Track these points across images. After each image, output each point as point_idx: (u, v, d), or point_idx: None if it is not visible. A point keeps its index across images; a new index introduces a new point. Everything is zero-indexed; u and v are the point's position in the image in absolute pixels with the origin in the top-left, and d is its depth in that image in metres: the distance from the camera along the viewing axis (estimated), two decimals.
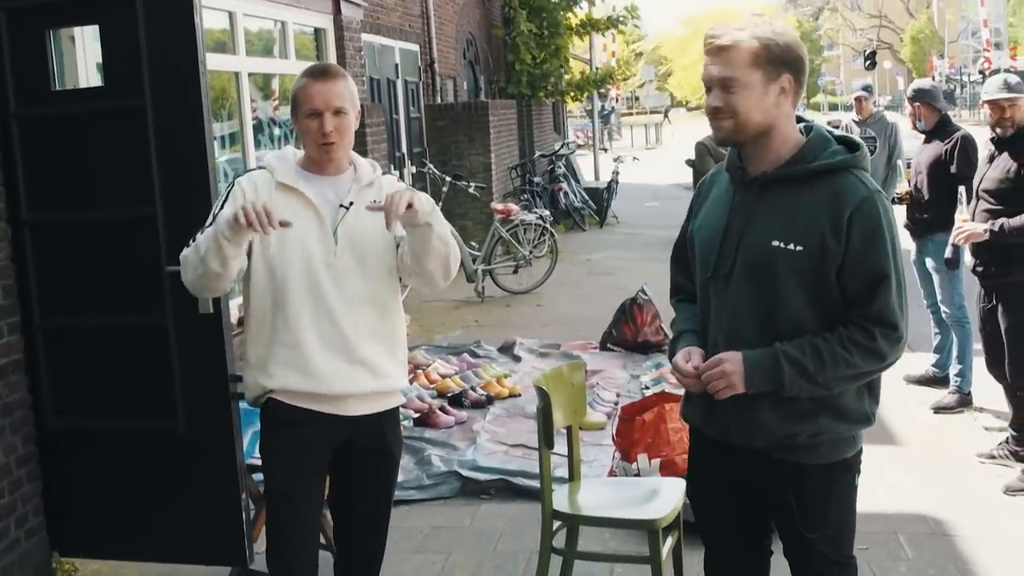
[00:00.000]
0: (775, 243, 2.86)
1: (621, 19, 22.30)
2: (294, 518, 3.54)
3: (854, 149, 2.95)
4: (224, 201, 3.46)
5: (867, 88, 9.99)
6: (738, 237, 2.93)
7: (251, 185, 3.48)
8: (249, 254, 3.42)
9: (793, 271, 2.84)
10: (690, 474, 3.33)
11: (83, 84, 5.78)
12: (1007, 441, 6.10)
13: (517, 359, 8.96)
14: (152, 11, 4.36)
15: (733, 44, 2.84)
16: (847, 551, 3.11)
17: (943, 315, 7.27)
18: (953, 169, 6.85)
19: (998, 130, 5.95)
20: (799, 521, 3.01)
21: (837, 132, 3.04)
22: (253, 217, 3.11)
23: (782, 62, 2.86)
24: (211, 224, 3.36)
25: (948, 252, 6.63)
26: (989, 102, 5.92)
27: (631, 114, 71.56)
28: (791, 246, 2.84)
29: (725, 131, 2.90)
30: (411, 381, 8.09)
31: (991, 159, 6.00)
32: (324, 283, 3.43)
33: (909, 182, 7.32)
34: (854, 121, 9.70)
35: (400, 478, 6.08)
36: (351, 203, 3.49)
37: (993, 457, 6.11)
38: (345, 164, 3.58)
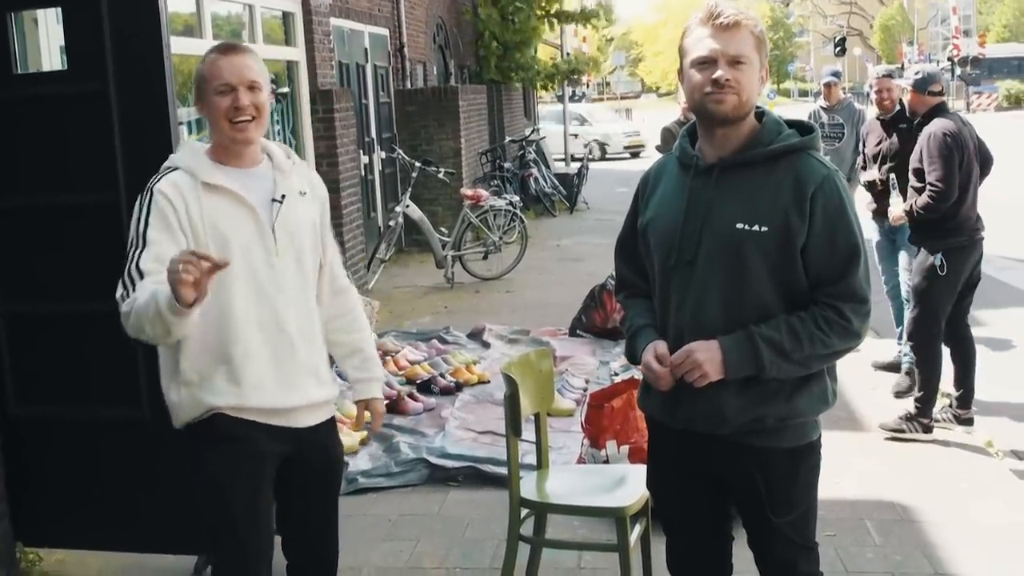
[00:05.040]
0: (740, 225, 2.87)
1: (593, 15, 22.11)
2: (258, 544, 3.29)
3: (806, 132, 2.98)
4: (147, 217, 3.11)
5: (836, 74, 10.03)
6: (700, 223, 2.93)
7: (175, 192, 3.13)
8: None
9: (759, 252, 2.86)
10: (649, 461, 3.32)
11: (46, 68, 5.71)
12: (950, 406, 6.51)
13: (486, 345, 8.94)
14: None
15: (741, 23, 2.86)
16: (812, 536, 3.14)
17: (905, 293, 7.39)
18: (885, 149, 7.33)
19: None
20: (767, 506, 3.01)
21: (787, 117, 3.08)
22: (192, 277, 2.74)
23: (765, 49, 2.94)
24: (139, 249, 3.06)
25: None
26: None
27: (602, 99, 71.58)
28: (756, 227, 2.85)
29: (729, 105, 2.87)
30: None
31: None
32: (268, 287, 3.21)
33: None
34: (822, 108, 9.74)
35: (368, 465, 6.11)
36: (283, 196, 3.28)
37: (936, 421, 6.41)
38: (259, 152, 3.34)
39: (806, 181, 2.86)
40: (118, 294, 3.07)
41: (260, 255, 3.20)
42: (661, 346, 2.99)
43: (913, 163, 6.31)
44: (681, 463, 3.13)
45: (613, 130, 35.00)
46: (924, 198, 6.14)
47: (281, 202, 3.27)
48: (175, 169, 3.21)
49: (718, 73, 2.85)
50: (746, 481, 3.03)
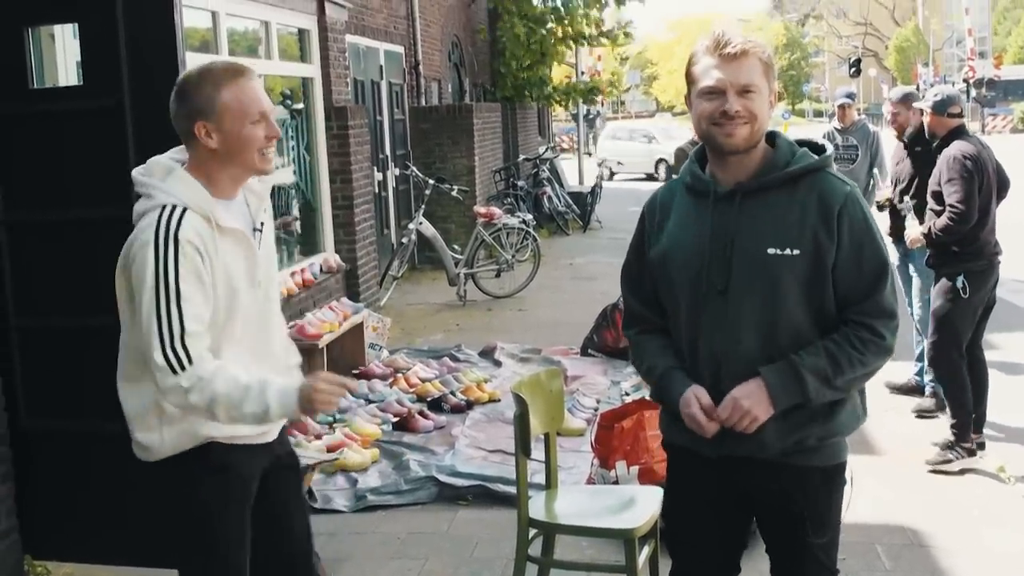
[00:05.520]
0: (771, 251, 2.84)
1: (613, 35, 22.02)
2: (243, 564, 3.21)
3: (819, 151, 2.98)
4: (176, 267, 2.88)
5: (851, 96, 10.03)
6: (728, 251, 2.89)
7: (201, 243, 2.93)
8: None
9: (792, 277, 2.84)
10: (670, 491, 3.27)
11: (63, 82, 5.74)
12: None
13: (498, 364, 8.94)
14: (131, 9, 4.31)
15: (748, 51, 2.84)
16: (836, 559, 3.12)
17: (915, 319, 7.37)
18: (905, 171, 7.21)
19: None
20: (808, 526, 2.98)
21: (799, 138, 3.08)
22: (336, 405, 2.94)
23: (774, 74, 2.92)
24: (178, 305, 2.87)
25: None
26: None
27: (616, 118, 71.62)
28: (788, 251, 2.83)
29: (740, 138, 2.85)
30: (391, 385, 8.07)
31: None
32: (258, 317, 3.14)
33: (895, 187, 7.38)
34: (836, 129, 9.72)
35: (377, 483, 6.11)
36: (262, 224, 3.19)
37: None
38: None
39: (830, 200, 2.85)
40: (160, 358, 2.87)
41: (252, 291, 3.11)
42: (704, 397, 2.91)
43: (932, 186, 6.26)
44: (706, 492, 3.08)
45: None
46: (944, 220, 6.08)
47: (261, 231, 3.18)
48: (185, 208, 2.95)
49: (727, 105, 2.82)
50: (786, 501, 2.99)
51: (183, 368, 2.87)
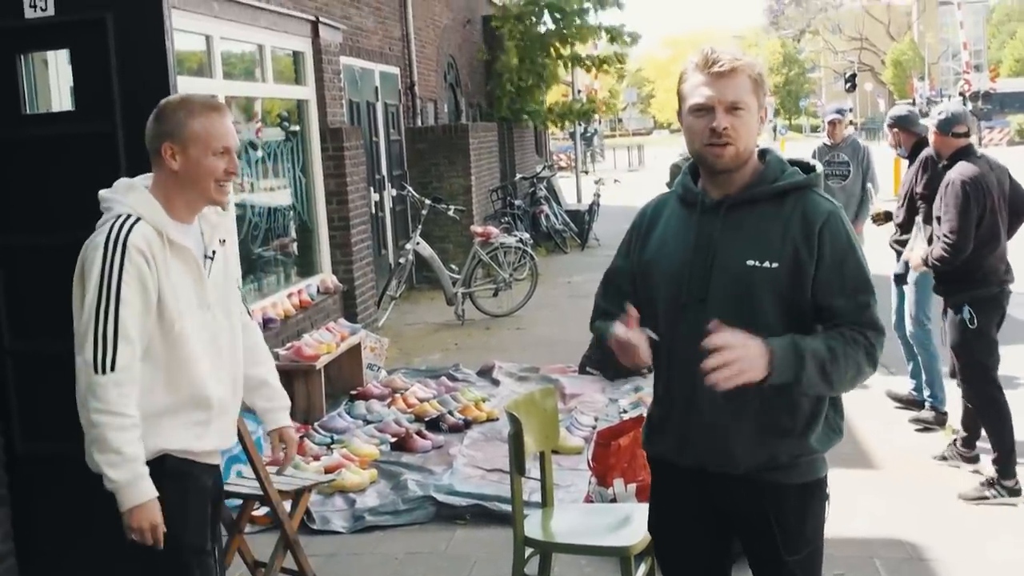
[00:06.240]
0: (750, 262, 2.85)
1: (607, 61, 21.94)
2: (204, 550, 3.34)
3: (808, 170, 2.99)
4: (120, 272, 3.03)
5: (841, 112, 10.02)
6: (709, 261, 2.91)
7: (148, 251, 3.07)
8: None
9: (771, 289, 2.85)
10: (654, 505, 3.27)
11: (56, 108, 5.75)
12: (954, 443, 6.36)
13: (496, 383, 8.94)
14: (123, 35, 4.33)
15: (737, 68, 2.85)
16: (818, 574, 3.10)
17: (908, 336, 7.31)
18: (918, 189, 6.93)
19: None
20: (780, 544, 2.97)
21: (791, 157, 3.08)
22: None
23: (764, 90, 2.93)
24: (115, 306, 3.01)
25: (899, 268, 7.19)
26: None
27: (614, 136, 71.77)
28: (767, 264, 2.84)
29: (728, 157, 2.87)
30: (389, 405, 8.07)
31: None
32: (212, 341, 3.25)
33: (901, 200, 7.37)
34: (826, 145, 9.71)
35: (375, 502, 6.11)
36: (213, 252, 3.32)
37: (944, 459, 6.34)
38: None
39: (813, 216, 2.87)
40: (89, 354, 3.02)
41: (199, 307, 3.22)
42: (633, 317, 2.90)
43: (936, 210, 6.02)
44: (687, 504, 3.09)
45: None
46: (938, 249, 5.89)
47: (212, 259, 3.30)
48: (138, 219, 3.11)
49: (715, 122, 2.84)
50: (758, 519, 2.99)
51: (105, 371, 3.01)
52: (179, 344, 3.14)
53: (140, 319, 3.06)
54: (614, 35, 20.78)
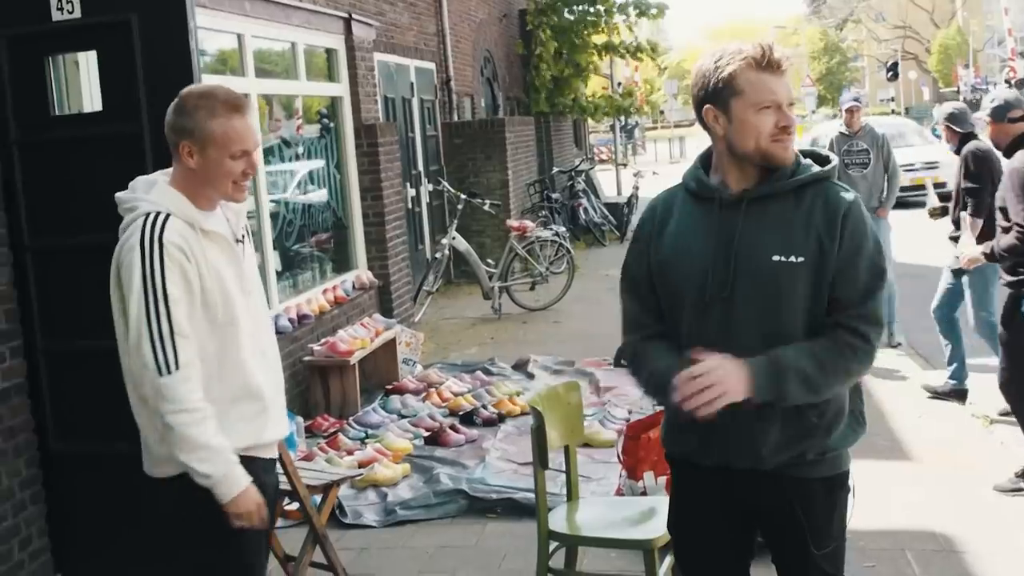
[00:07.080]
0: (776, 258, 2.83)
1: (642, 50, 21.89)
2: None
3: (823, 162, 2.98)
4: (162, 270, 3.02)
5: (858, 99, 9.88)
6: (732, 257, 2.88)
7: (186, 244, 3.07)
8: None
9: (797, 284, 2.83)
10: (674, 504, 3.24)
11: (87, 108, 5.82)
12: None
13: (531, 376, 8.95)
14: (148, 36, 4.38)
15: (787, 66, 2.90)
16: (842, 569, 3.09)
17: (975, 331, 7.19)
18: (962, 184, 6.83)
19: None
20: (809, 539, 2.96)
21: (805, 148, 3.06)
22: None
23: None
24: (165, 305, 2.99)
25: (952, 263, 6.99)
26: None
27: (656, 128, 71.40)
28: (792, 258, 2.82)
29: (791, 152, 2.90)
30: (423, 399, 8.10)
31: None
32: (255, 327, 3.25)
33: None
34: (843, 133, 9.55)
35: (407, 495, 6.14)
36: (243, 236, 3.33)
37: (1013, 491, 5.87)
38: None
39: (836, 205, 2.86)
40: (149, 358, 2.99)
41: (241, 293, 3.22)
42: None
43: (998, 201, 5.76)
44: (710, 501, 3.06)
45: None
46: (1009, 239, 5.57)
47: (242, 242, 3.30)
48: (168, 215, 3.09)
49: (787, 120, 2.85)
50: (785, 514, 2.98)
51: (170, 370, 2.99)
52: (227, 333, 3.13)
53: (189, 314, 3.06)
54: (642, 9, 20.74)
